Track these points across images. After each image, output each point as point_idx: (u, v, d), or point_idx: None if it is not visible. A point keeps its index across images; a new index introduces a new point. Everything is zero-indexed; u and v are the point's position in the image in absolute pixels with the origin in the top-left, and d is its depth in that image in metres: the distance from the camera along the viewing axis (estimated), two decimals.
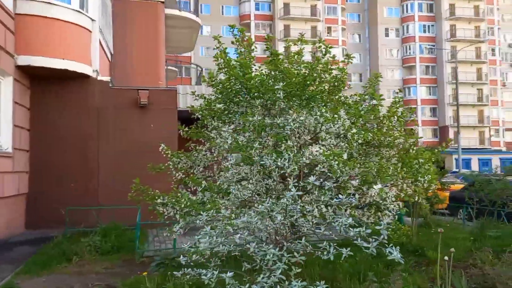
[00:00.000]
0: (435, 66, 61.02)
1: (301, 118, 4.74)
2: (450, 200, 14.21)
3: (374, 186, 4.96)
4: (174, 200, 5.56)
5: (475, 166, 42.48)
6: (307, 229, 3.55)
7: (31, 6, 10.94)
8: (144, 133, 12.60)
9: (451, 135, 56.56)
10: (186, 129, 7.01)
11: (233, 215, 3.76)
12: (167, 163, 7.64)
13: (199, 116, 6.83)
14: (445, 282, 5.94)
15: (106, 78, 12.87)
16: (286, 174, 4.38)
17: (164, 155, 6.93)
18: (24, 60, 10.91)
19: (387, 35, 61.78)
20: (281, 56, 6.02)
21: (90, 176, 12.20)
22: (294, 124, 4.71)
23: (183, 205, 5.36)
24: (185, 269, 3.32)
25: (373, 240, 3.17)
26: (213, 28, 56.78)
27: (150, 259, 8.42)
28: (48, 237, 10.21)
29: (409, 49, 61.12)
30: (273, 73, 5.85)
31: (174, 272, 3.42)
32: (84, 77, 12.07)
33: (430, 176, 5.99)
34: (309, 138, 5.12)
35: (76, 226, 10.77)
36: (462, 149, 37.44)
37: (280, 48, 54.71)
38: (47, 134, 11.98)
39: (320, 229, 3.53)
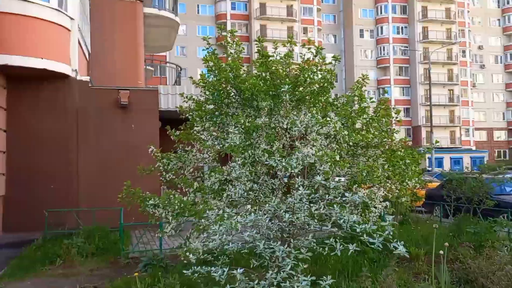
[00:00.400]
0: (408, 67, 62.28)
1: (305, 119, 4.84)
2: (426, 197, 14.60)
3: (358, 192, 5.11)
4: (166, 201, 5.58)
5: (447, 165, 43.66)
6: (313, 226, 3.66)
7: (8, 4, 10.70)
8: (125, 134, 12.50)
9: (423, 134, 57.95)
10: (177, 132, 6.99)
11: (231, 214, 3.84)
12: (153, 164, 7.65)
13: (188, 117, 6.83)
14: (431, 277, 6.16)
15: (86, 78, 12.72)
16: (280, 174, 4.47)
17: (154, 157, 6.91)
18: (0, 59, 10.66)
19: (361, 36, 62.66)
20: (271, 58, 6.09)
21: (70, 177, 12.02)
22: (301, 125, 4.81)
23: (176, 206, 5.38)
24: (194, 267, 3.37)
25: (377, 235, 3.30)
26: (188, 27, 56.48)
27: (136, 261, 8.39)
28: (27, 240, 10.03)
29: (383, 50, 62.16)
30: (263, 74, 5.93)
31: (184, 271, 3.45)
32: (63, 76, 11.88)
33: (418, 178, 6.20)
34: (325, 138, 5.22)
35: (56, 228, 10.61)
36: (434, 148, 38.35)
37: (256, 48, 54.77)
38: (24, 135, 11.74)
39: (327, 226, 3.65)
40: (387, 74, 61.70)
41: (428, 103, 46.04)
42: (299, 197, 3.44)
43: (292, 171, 3.97)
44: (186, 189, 6.10)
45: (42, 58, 11.05)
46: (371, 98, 6.37)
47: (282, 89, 5.36)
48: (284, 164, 3.89)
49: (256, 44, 6.83)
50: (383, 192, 5.88)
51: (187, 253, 5.16)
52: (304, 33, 59.34)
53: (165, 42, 20.86)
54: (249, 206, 5.01)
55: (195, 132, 6.71)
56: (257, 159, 4.90)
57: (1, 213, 11.39)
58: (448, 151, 48.67)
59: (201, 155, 6.62)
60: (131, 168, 11.73)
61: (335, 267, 6.43)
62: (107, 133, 12.38)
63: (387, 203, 5.65)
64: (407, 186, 6.33)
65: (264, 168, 5.39)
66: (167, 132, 7.09)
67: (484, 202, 10.38)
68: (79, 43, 12.78)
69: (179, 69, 18.93)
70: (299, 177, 4.01)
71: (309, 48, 6.20)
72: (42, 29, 11.20)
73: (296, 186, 3.61)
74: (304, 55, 6.29)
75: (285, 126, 5.19)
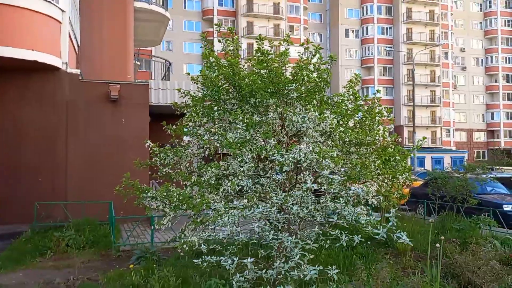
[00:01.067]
0: (391, 67, 63.15)
1: (314, 116, 4.99)
2: (410, 196, 14.92)
3: (354, 186, 5.27)
4: (165, 194, 5.67)
5: (428, 164, 44.41)
6: (319, 218, 3.82)
7: None
8: (115, 128, 12.46)
9: (405, 134, 58.86)
10: (174, 126, 7.05)
11: (239, 207, 3.98)
12: (143, 159, 7.74)
13: (185, 112, 6.91)
14: (418, 272, 6.38)
15: (76, 71, 12.60)
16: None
17: (151, 151, 6.98)
18: None
19: (347, 35, 63.30)
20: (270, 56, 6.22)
21: (58, 170, 11.94)
22: (310, 122, 4.96)
23: (175, 199, 5.48)
24: (205, 256, 3.49)
25: (381, 227, 3.47)
26: (174, 22, 56.05)
27: (127, 254, 8.45)
28: (16, 232, 9.99)
29: (368, 50, 62.90)
30: (262, 72, 6.05)
31: (194, 260, 3.56)
32: (53, 69, 11.78)
33: (408, 173, 6.43)
34: (320, 135, 5.37)
35: (44, 221, 10.57)
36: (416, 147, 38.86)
37: (243, 45, 54.91)
38: (12, 127, 11.62)
39: (333, 218, 3.80)
40: (371, 74, 62.46)
41: (411, 104, 46.75)
42: (306, 190, 3.59)
43: (299, 165, 4.12)
44: (184, 183, 6.20)
45: (32, 50, 10.95)
46: (366, 96, 6.56)
47: (290, 87, 5.51)
48: (291, 159, 4.03)
49: (244, 40, 6.95)
50: (376, 187, 6.09)
51: (184, 245, 5.30)
52: (290, 31, 59.58)
53: (154, 36, 20.78)
54: (245, 200, 5.13)
55: (190, 127, 6.80)
56: (265, 154, 5.03)
57: None
58: (429, 151, 49.51)
59: (198, 150, 6.72)
60: (121, 163, 11.82)
61: (326, 260, 6.60)
62: (96, 126, 12.34)
63: (380, 197, 5.85)
64: (398, 181, 6.56)
65: (262, 163, 5.53)
66: (163, 128, 7.16)
67: (468, 200, 10.71)
68: (69, 35, 12.69)
69: (168, 64, 18.89)
70: (307, 171, 4.17)
71: (307, 48, 6.36)
72: (33, 20, 11.09)
73: (303, 180, 3.77)
74: (303, 54, 6.44)
75: (294, 123, 5.29)
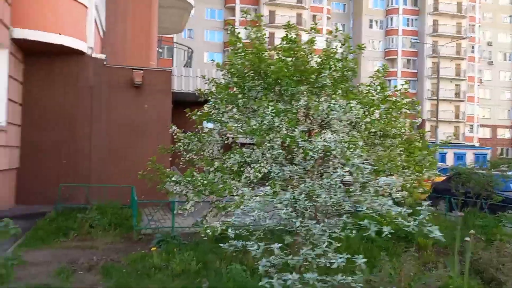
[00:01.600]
0: (416, 60, 61.96)
1: (344, 103, 4.97)
2: (432, 191, 14.73)
3: (382, 178, 5.21)
4: (189, 179, 5.72)
5: (450, 160, 43.73)
6: (347, 207, 3.82)
7: None
8: (137, 113, 12.61)
9: (428, 128, 57.85)
10: (199, 113, 7.08)
11: (266, 193, 4.01)
12: (165, 145, 7.81)
13: (209, 99, 6.94)
14: (438, 266, 6.31)
15: (101, 56, 12.76)
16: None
17: (175, 137, 7.03)
18: (19, 33, 10.72)
19: (371, 26, 62.24)
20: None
21: (82, 153, 12.17)
22: (340, 109, 4.94)
23: (199, 183, 5.53)
24: (231, 241, 3.53)
25: (413, 219, 3.46)
26: (196, 10, 55.86)
27: (148, 237, 8.58)
28: (40, 212, 10.21)
29: (392, 41, 61.80)
30: (288, 59, 6.01)
31: (220, 244, 3.61)
32: (78, 53, 11.95)
33: (435, 170, 6.35)
34: (346, 125, 5.35)
35: (66, 202, 10.81)
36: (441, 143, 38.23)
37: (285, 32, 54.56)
38: (39, 109, 11.87)
39: (362, 208, 3.80)
40: (395, 66, 61.32)
41: (434, 97, 45.97)
42: (336, 178, 3.58)
43: (329, 153, 4.10)
44: (207, 168, 6.24)
45: (59, 34, 11.11)
46: (395, 87, 6.48)
47: (323, 74, 5.48)
48: (319, 146, 4.02)
49: (266, 29, 6.91)
50: (402, 181, 6.03)
51: (208, 230, 5.35)
52: (313, 21, 58.82)
53: (177, 24, 20.83)
54: (268, 188, 5.13)
55: (214, 114, 6.82)
56: (290, 142, 5.03)
57: (15, 185, 11.57)
58: (452, 147, 48.71)
59: (219, 137, 6.75)
60: (143, 148, 11.99)
61: (347, 251, 6.57)
62: (120, 111, 12.50)
63: (404, 192, 5.79)
64: (423, 176, 6.48)
65: (285, 151, 5.52)
66: (187, 115, 7.20)
67: (492, 197, 10.52)
68: (95, 21, 12.82)
69: (191, 51, 18.94)
70: (336, 159, 4.15)
71: (335, 36, 6.30)
72: (60, 5, 11.24)
73: (332, 167, 3.76)
74: (330, 42, 6.38)
75: (319, 112, 5.27)
